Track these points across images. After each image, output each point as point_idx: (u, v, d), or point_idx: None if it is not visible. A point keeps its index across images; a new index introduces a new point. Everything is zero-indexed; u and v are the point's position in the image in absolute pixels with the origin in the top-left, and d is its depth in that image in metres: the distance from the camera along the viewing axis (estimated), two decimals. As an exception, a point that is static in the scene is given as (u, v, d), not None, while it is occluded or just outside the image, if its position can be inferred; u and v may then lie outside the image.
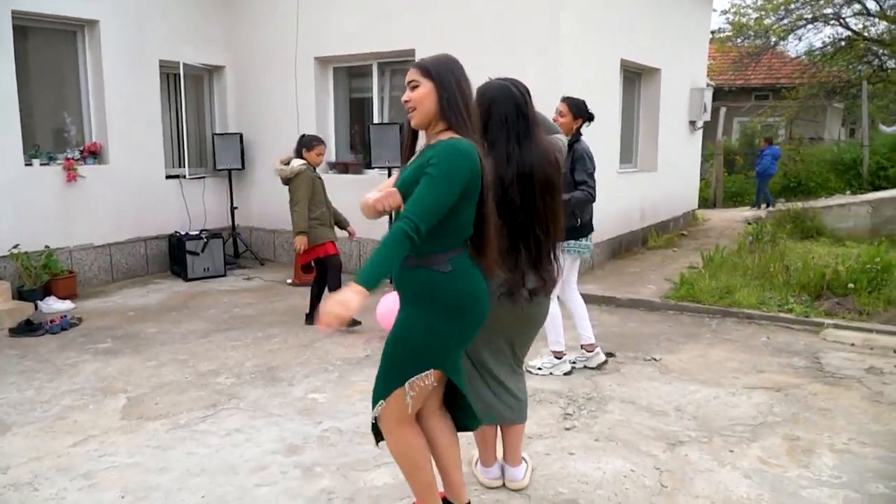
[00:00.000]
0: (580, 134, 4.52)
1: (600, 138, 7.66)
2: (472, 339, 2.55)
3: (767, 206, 11.69)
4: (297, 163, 5.72)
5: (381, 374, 2.51)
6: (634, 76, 8.91)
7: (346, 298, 2.12)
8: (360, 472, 3.34)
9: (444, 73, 2.35)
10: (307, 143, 5.79)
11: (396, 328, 2.49)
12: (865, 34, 18.37)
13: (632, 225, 8.79)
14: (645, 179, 9.06)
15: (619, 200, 8.17)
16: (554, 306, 4.52)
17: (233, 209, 8.52)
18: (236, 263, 8.29)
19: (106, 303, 6.79)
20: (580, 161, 4.35)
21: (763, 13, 18.80)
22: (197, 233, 7.80)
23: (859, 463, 3.48)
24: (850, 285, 6.46)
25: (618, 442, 3.70)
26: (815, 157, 13.43)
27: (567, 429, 3.87)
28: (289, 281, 7.47)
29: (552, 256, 2.76)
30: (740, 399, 4.31)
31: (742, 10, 18.68)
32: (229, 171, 8.43)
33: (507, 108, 2.62)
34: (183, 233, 7.85)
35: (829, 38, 19.18)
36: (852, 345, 5.40)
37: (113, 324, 6.04)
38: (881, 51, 18.53)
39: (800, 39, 19.58)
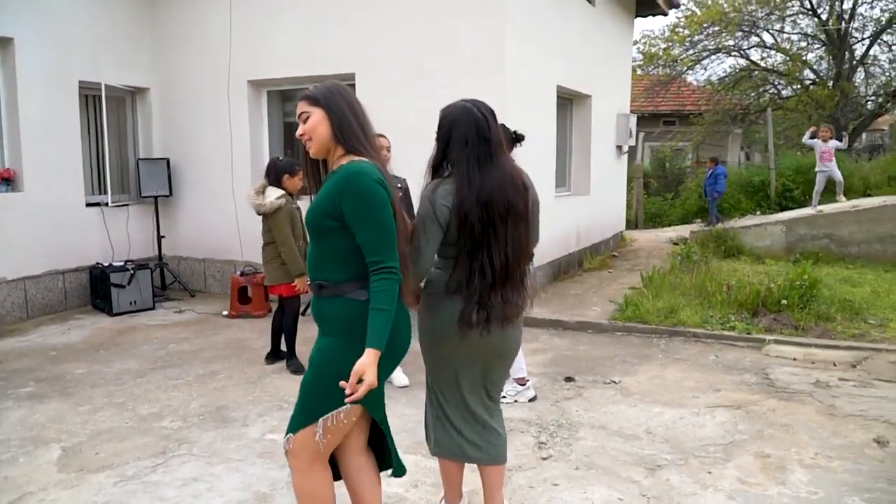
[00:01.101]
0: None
1: (538, 162, 7.74)
2: (391, 370, 2.41)
3: (717, 223, 12.10)
4: (274, 193, 5.10)
5: (298, 407, 2.39)
6: (567, 102, 9.07)
7: (371, 368, 2.19)
8: (340, 517, 3.12)
9: (332, 98, 2.33)
10: (288, 168, 5.17)
11: (313, 359, 2.38)
12: (763, 65, 19.55)
13: (569, 247, 8.89)
14: (579, 203, 9.20)
15: (556, 224, 8.23)
16: None
17: (159, 238, 8.06)
18: (165, 296, 7.83)
19: (23, 342, 6.23)
20: None
21: (671, 44, 19.74)
22: (122, 264, 7.31)
23: (831, 477, 3.54)
24: (783, 301, 6.70)
25: (598, 469, 3.63)
26: (728, 179, 14.01)
27: (544, 458, 3.78)
28: (224, 313, 7.10)
29: (519, 283, 2.63)
30: (705, 419, 4.35)
31: (652, 41, 19.51)
32: (155, 198, 7.98)
33: (467, 130, 2.55)
34: (106, 264, 7.34)
35: (730, 68, 20.25)
36: (794, 359, 5.58)
37: (33, 365, 5.53)
38: (777, 80, 19.76)
39: (705, 69, 20.58)
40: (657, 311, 6.54)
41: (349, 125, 2.31)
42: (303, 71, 7.28)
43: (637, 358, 5.66)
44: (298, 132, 2.36)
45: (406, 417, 4.38)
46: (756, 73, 19.71)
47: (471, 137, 2.54)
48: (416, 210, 2.62)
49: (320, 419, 2.30)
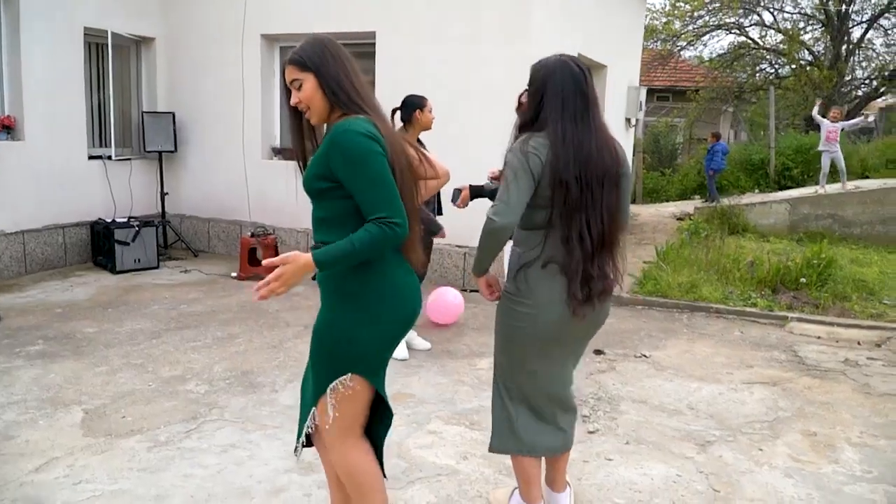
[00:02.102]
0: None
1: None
2: (396, 340, 2.27)
3: (712, 200, 12.09)
4: None
5: (311, 381, 2.30)
6: (583, 71, 8.86)
7: (294, 267, 2.04)
8: (394, 490, 3.01)
9: (322, 59, 2.15)
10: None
11: (315, 326, 2.27)
12: (762, 43, 19.44)
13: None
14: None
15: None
16: None
17: (163, 195, 7.78)
18: (167, 254, 7.58)
19: (23, 298, 5.98)
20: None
21: (671, 18, 19.54)
22: (126, 220, 7.05)
23: (881, 456, 3.50)
24: (802, 280, 6.67)
25: (648, 444, 3.55)
26: (728, 157, 13.96)
27: (591, 432, 3.69)
28: (233, 274, 6.89)
29: (615, 254, 2.45)
30: (744, 395, 4.28)
31: (654, 15, 19.28)
32: (160, 153, 7.69)
33: (563, 83, 2.32)
34: (109, 220, 7.08)
35: (729, 45, 20.13)
36: (818, 338, 5.54)
37: (39, 322, 5.31)
38: (775, 59, 19.68)
39: (705, 45, 20.44)
40: (678, 286, 6.47)
41: (342, 86, 2.16)
42: (320, 27, 6.93)
43: (662, 332, 5.58)
44: (294, 101, 2.18)
45: (441, 387, 4.26)
46: (754, 51, 19.60)
47: (567, 91, 2.32)
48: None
49: (328, 388, 2.20)
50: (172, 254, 7.74)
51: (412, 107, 4.62)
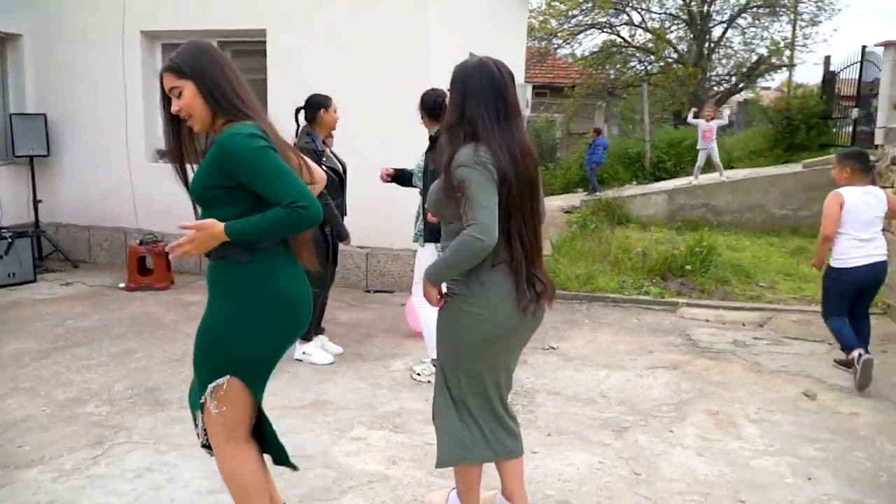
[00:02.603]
0: (435, 138, 4.22)
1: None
2: (280, 347, 2.28)
3: (594, 192, 12.62)
4: None
5: (194, 382, 2.32)
6: (473, 68, 8.99)
7: (207, 235, 2.06)
8: (328, 501, 2.95)
9: (199, 65, 2.13)
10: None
11: (200, 324, 2.26)
12: (632, 42, 20.50)
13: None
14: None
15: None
16: (432, 311, 4.29)
17: (36, 202, 7.20)
18: (44, 266, 7.03)
19: None
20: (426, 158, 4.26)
21: (547, 17, 20.23)
22: (-5, 231, 6.48)
23: (778, 430, 3.78)
24: (688, 267, 7.10)
25: (569, 435, 3.66)
26: (608, 152, 14.62)
27: (513, 426, 3.76)
28: (121, 285, 6.48)
29: (541, 257, 2.48)
30: (649, 380, 4.51)
31: (532, 14, 19.83)
32: (31, 157, 7.10)
33: (482, 83, 2.34)
34: (-25, 232, 6.49)
35: (602, 43, 21.04)
36: (707, 321, 5.93)
37: None
38: (644, 57, 20.81)
39: (580, 44, 21.30)
40: (576, 278, 6.71)
41: (223, 92, 2.14)
42: (205, 24, 6.70)
43: (566, 323, 5.77)
44: (174, 108, 2.15)
45: (359, 391, 4.21)
46: (625, 49, 20.64)
47: (486, 92, 2.33)
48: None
49: (208, 388, 2.18)
50: (50, 265, 7.18)
51: (316, 106, 4.54)
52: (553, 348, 5.12)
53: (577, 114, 20.36)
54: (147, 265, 6.58)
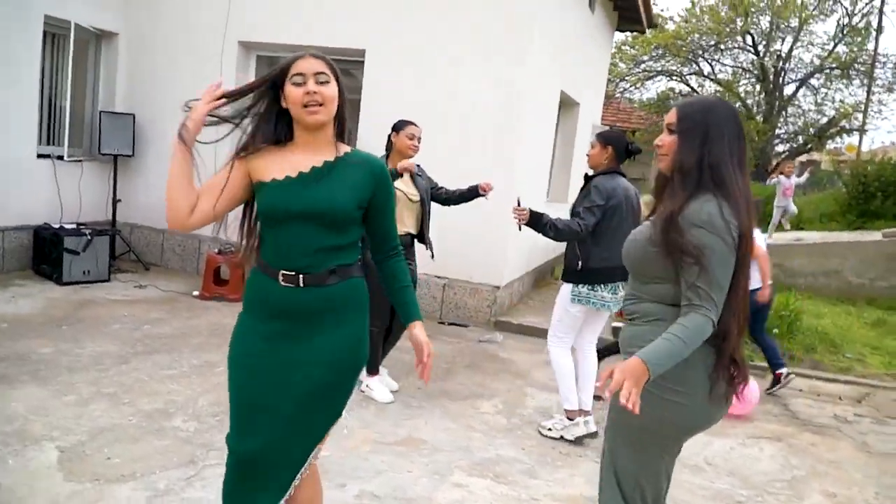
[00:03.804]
0: (616, 168, 3.97)
1: (535, 168, 7.49)
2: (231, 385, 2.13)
3: None
4: None
5: (321, 409, 2.16)
6: (560, 107, 8.86)
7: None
8: (442, 555, 2.72)
9: (340, 75, 2.08)
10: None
11: (334, 356, 2.09)
12: (702, 92, 20.29)
13: (548, 255, 8.70)
14: (559, 210, 9.00)
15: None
16: (565, 356, 4.06)
17: (115, 201, 7.18)
18: (116, 266, 6.98)
19: (-42, 309, 5.33)
20: (588, 195, 3.86)
21: (616, 60, 20.13)
22: (76, 227, 6.45)
23: (908, 523, 3.47)
24: (775, 330, 6.76)
25: (684, 505, 3.40)
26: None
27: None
28: (195, 293, 6.39)
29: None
30: (754, 451, 4.23)
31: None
32: (115, 156, 7.11)
33: (728, 124, 1.97)
34: (56, 225, 6.46)
35: (669, 90, 20.89)
36: (801, 391, 5.59)
37: (-17, 338, 4.71)
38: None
39: (647, 90, 21.19)
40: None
41: (343, 111, 2.11)
42: (305, 40, 6.66)
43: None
44: (313, 89, 1.98)
45: (452, 432, 4.00)
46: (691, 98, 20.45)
47: (732, 134, 1.97)
48: None
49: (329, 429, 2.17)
50: (122, 266, 7.14)
51: (393, 129, 4.40)
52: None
53: (635, 160, 20.12)
54: (221, 275, 6.48)
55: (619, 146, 3.95)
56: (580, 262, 3.89)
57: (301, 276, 2.02)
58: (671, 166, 2.00)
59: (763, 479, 3.81)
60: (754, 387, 4.85)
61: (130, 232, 7.48)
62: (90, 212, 7.11)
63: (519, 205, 3.80)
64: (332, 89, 2.01)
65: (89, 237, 6.31)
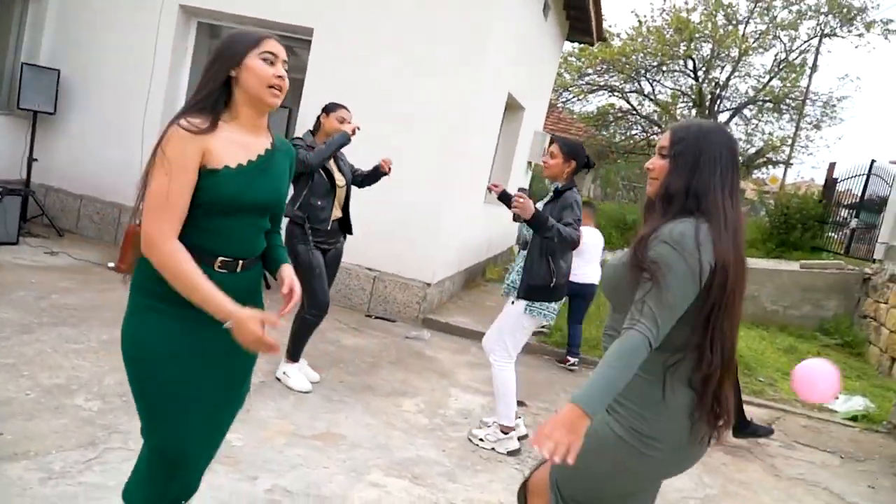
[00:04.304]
0: (573, 182, 3.83)
1: (476, 168, 7.46)
2: None
3: None
4: None
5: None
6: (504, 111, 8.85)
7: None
8: (354, 557, 2.62)
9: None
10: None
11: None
12: (641, 111, 20.81)
13: (480, 256, 8.69)
14: (494, 212, 9.02)
15: (475, 230, 8.01)
16: (511, 371, 3.92)
17: (31, 160, 6.73)
18: (26, 230, 6.55)
19: None
20: (569, 209, 3.71)
21: (561, 70, 20.38)
22: (-15, 184, 6.02)
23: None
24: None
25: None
26: (603, 213, 14.65)
27: (540, 498, 3.48)
28: (111, 264, 6.05)
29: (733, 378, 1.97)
30: (670, 467, 4.27)
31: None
32: (35, 112, 6.66)
33: (722, 150, 1.87)
34: (-38, 180, 6.01)
35: (606, 105, 21.31)
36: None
37: None
38: (649, 126, 21.12)
39: (589, 102, 21.53)
40: (584, 341, 6.48)
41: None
42: (250, 11, 6.41)
43: (574, 387, 5.51)
44: (282, 73, 1.94)
45: (373, 429, 3.89)
46: (631, 115, 20.94)
47: (725, 160, 1.86)
48: None
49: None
50: (32, 230, 6.71)
51: (323, 111, 4.26)
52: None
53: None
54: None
55: (580, 161, 3.84)
56: (553, 279, 3.76)
57: (240, 261, 1.96)
58: (658, 190, 1.90)
59: (677, 497, 3.86)
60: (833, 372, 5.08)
61: (45, 194, 7.05)
62: (2, 169, 6.65)
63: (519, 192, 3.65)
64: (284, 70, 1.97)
65: (-1, 196, 5.90)
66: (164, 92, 6.71)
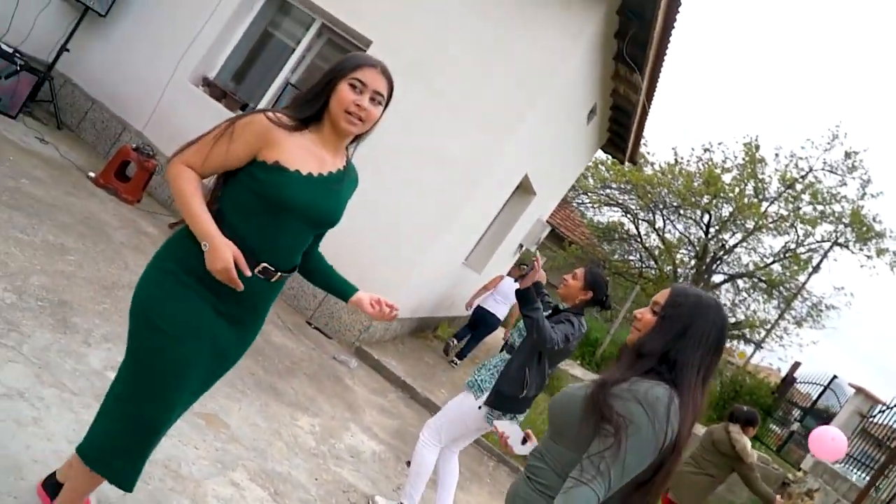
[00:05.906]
0: (581, 311, 3.59)
1: (469, 229, 7.55)
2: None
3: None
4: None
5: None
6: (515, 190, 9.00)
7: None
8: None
9: (392, 96, 2.12)
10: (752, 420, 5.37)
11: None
12: (645, 241, 21.09)
13: (438, 311, 8.72)
14: (470, 276, 9.09)
15: (440, 284, 8.05)
16: (432, 455, 3.76)
17: (63, 48, 6.77)
18: (30, 109, 6.55)
19: None
20: (566, 324, 3.45)
21: (588, 175, 20.81)
22: (10, 51, 6.03)
23: None
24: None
25: None
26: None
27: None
28: (91, 174, 6.05)
29: None
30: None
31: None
32: (87, 7, 6.67)
33: (712, 331, 1.85)
34: (-8, 40, 6.04)
35: (616, 222, 21.64)
36: None
37: None
38: (647, 258, 21.40)
39: (601, 213, 21.89)
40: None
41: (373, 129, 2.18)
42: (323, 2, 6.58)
43: (469, 472, 5.50)
44: (364, 104, 1.99)
45: (258, 431, 3.86)
46: (635, 241, 21.24)
47: (711, 342, 1.85)
48: None
49: None
50: (35, 112, 6.71)
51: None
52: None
53: (561, 267, 20.62)
54: (127, 172, 6.18)
55: (597, 296, 3.63)
56: (524, 392, 3.50)
57: (279, 273, 2.05)
58: (635, 343, 1.90)
59: None
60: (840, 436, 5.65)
61: (62, 85, 7.07)
62: (33, 44, 6.68)
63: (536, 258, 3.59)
64: (378, 111, 2.04)
65: (18, 69, 5.92)
66: (215, 35, 6.79)
